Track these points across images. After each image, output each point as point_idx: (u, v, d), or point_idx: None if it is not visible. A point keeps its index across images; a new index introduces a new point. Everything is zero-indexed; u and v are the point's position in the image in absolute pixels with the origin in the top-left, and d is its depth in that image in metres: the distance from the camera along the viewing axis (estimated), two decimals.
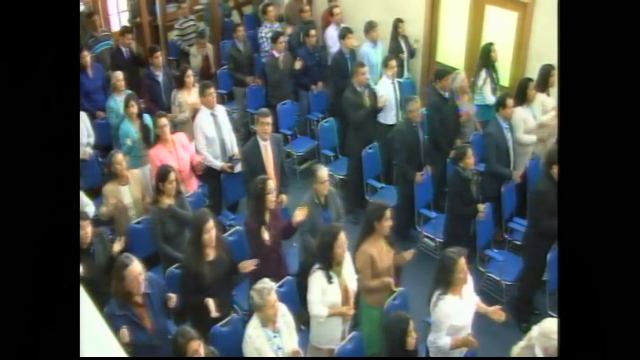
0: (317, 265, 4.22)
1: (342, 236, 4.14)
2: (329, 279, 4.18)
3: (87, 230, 4.41)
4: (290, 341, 3.96)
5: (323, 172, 4.90)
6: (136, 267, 3.78)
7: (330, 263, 4.18)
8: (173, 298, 4.01)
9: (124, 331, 3.67)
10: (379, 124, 6.73)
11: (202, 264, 4.31)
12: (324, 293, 4.18)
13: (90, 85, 7.03)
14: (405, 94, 6.66)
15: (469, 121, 6.56)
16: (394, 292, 4.51)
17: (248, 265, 4.46)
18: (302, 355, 4.01)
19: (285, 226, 4.84)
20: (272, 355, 3.84)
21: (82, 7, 8.51)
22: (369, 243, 4.45)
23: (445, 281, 3.95)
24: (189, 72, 6.63)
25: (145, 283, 3.85)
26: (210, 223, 4.31)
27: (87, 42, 8.09)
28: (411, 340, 3.76)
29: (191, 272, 4.33)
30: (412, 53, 7.81)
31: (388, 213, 4.41)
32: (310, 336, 4.41)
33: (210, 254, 4.37)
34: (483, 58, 6.75)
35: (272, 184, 4.70)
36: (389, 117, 6.64)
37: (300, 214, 4.71)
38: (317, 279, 4.19)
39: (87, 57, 7.07)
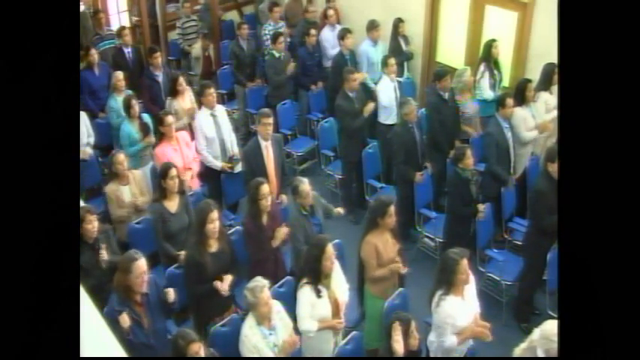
0: (304, 280, 4.17)
1: (330, 248, 4.10)
2: (317, 293, 4.13)
3: (94, 225, 4.39)
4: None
5: (305, 186, 4.78)
6: (143, 264, 3.79)
7: (318, 277, 4.13)
8: (171, 292, 4.01)
9: (125, 316, 3.68)
10: (380, 124, 6.73)
11: (205, 255, 4.34)
12: (314, 307, 4.13)
13: (96, 83, 7.07)
14: (405, 94, 6.66)
15: (473, 118, 6.57)
16: (403, 276, 4.54)
17: (223, 286, 4.40)
18: (299, 344, 4.02)
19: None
20: (269, 352, 3.84)
21: (82, 7, 8.52)
22: (373, 235, 4.49)
23: (447, 282, 3.94)
24: (181, 79, 6.58)
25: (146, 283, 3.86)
26: (215, 214, 4.33)
27: (91, 40, 8.10)
28: (414, 341, 3.75)
29: (194, 263, 4.34)
30: (408, 57, 7.80)
31: (392, 209, 4.43)
32: (302, 349, 4.33)
33: (214, 245, 4.40)
34: (484, 53, 6.78)
35: (267, 188, 4.67)
36: (390, 117, 6.64)
37: (282, 233, 4.74)
38: (305, 294, 4.14)
39: (94, 55, 7.10)
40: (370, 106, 6.41)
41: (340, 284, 4.34)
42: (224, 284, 4.35)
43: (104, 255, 4.38)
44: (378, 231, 4.50)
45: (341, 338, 4.39)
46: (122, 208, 5.28)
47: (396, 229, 4.59)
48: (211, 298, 4.38)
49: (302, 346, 4.31)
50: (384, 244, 4.48)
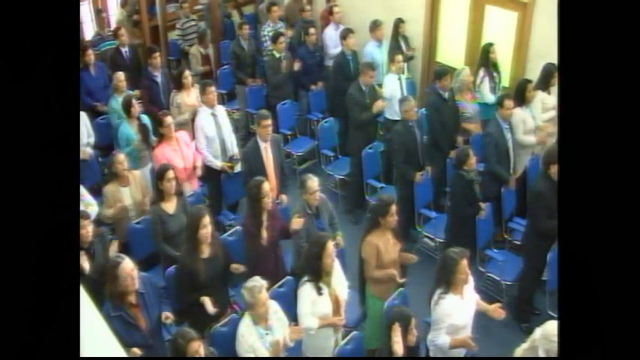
0: (305, 277, 4.19)
1: (330, 246, 4.12)
2: (318, 290, 4.14)
3: (88, 229, 4.39)
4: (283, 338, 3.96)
5: (313, 182, 4.78)
6: (128, 264, 3.76)
7: (319, 274, 4.15)
8: (170, 317, 4.02)
9: (135, 351, 3.66)
10: (385, 119, 6.79)
11: (197, 261, 4.32)
12: (314, 304, 4.14)
13: (92, 84, 7.07)
14: (407, 93, 6.67)
15: (472, 117, 6.57)
16: (400, 284, 4.52)
17: (239, 268, 4.44)
18: (303, 335, 4.07)
19: (283, 227, 4.84)
20: (265, 352, 3.85)
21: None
22: (374, 235, 4.50)
23: (446, 281, 3.96)
24: (187, 73, 6.62)
25: (139, 281, 3.83)
26: (207, 219, 4.31)
27: (92, 39, 8.11)
28: (412, 337, 3.76)
29: (186, 269, 4.33)
30: (409, 58, 7.79)
31: (393, 208, 4.43)
32: (302, 347, 4.36)
33: (206, 251, 4.38)
34: (482, 58, 6.77)
35: (267, 186, 4.67)
36: (395, 112, 6.64)
37: (297, 223, 4.69)
38: (306, 291, 4.15)
39: (91, 55, 7.11)
40: (380, 102, 6.44)
41: (340, 282, 4.34)
42: (211, 304, 4.27)
43: (112, 251, 4.38)
44: (380, 231, 4.50)
45: (341, 336, 4.39)
46: (110, 209, 5.24)
47: (397, 229, 4.59)
48: (203, 306, 4.31)
49: (303, 343, 4.32)
50: (385, 244, 4.49)
